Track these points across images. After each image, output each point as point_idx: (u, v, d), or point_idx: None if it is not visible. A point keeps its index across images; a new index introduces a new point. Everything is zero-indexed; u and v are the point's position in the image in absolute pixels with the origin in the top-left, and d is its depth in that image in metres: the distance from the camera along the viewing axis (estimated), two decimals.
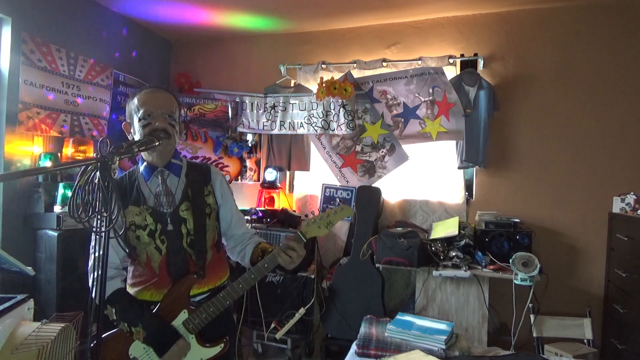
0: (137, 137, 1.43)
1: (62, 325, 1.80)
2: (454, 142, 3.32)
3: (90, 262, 1.42)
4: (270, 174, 3.69)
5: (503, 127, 3.30)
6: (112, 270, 1.45)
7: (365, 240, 3.10)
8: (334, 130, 3.42)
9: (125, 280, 1.52)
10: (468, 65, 3.29)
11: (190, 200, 1.50)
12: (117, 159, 1.11)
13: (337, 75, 3.41)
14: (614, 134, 3.06)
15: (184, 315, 1.44)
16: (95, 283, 1.07)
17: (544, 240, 3.11)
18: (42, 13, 2.90)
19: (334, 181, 3.60)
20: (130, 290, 1.50)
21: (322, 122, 3.44)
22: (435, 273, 2.78)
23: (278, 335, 3.03)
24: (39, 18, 2.88)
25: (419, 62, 3.39)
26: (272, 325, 3.10)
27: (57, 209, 2.73)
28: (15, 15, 2.72)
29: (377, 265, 3.00)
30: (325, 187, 3.61)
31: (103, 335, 1.29)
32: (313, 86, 3.60)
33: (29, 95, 2.76)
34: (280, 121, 3.61)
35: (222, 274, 1.59)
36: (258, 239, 1.67)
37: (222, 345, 1.49)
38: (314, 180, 3.76)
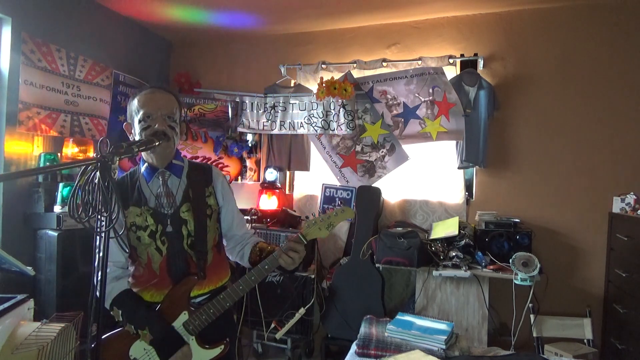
0: (137, 139, 1.43)
1: (62, 325, 1.79)
2: (454, 142, 3.32)
3: (96, 262, 1.42)
4: (270, 174, 3.68)
5: (503, 127, 3.30)
6: (118, 270, 1.45)
7: (365, 240, 3.10)
8: (334, 130, 3.42)
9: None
10: (468, 65, 3.29)
11: (191, 201, 1.50)
12: (117, 159, 1.11)
13: (337, 75, 3.41)
14: (614, 133, 3.06)
15: (184, 316, 1.44)
16: (95, 284, 1.06)
17: (544, 240, 3.11)
18: (42, 13, 2.90)
19: (334, 181, 3.59)
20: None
21: (322, 122, 3.44)
22: (435, 273, 2.78)
23: (278, 335, 3.03)
24: (39, 18, 2.88)
25: (419, 62, 3.38)
26: (272, 325, 3.10)
27: (57, 209, 2.73)
28: (15, 15, 2.71)
29: (377, 265, 3.00)
30: (325, 187, 3.61)
31: (104, 336, 1.29)
32: (313, 86, 3.59)
33: (29, 95, 2.76)
34: (280, 121, 3.61)
35: (223, 275, 1.59)
36: (256, 238, 1.68)
37: (222, 347, 1.48)
38: (314, 180, 3.75)
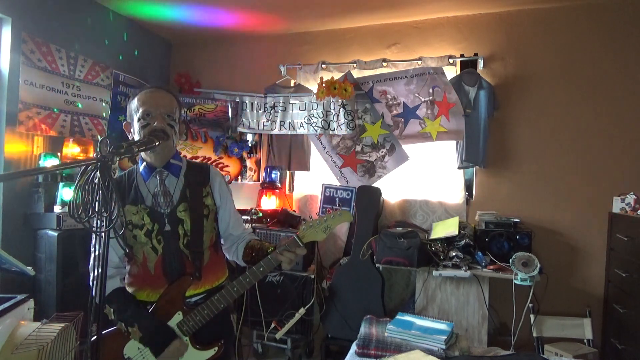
0: (136, 137, 1.43)
1: (62, 325, 1.80)
2: (454, 142, 3.32)
3: (91, 261, 1.42)
4: (270, 174, 3.68)
5: (503, 127, 3.30)
6: (111, 270, 1.45)
7: (365, 240, 3.09)
8: (334, 130, 3.42)
9: (124, 279, 1.52)
10: (468, 65, 3.29)
11: (188, 201, 1.50)
12: (117, 159, 1.11)
13: (337, 75, 3.41)
14: (614, 133, 3.06)
15: (178, 316, 1.44)
16: (95, 282, 1.07)
17: (544, 240, 3.11)
18: (42, 13, 2.90)
19: (334, 181, 3.59)
20: (128, 290, 1.50)
21: (322, 122, 3.44)
22: (435, 273, 2.78)
23: (278, 335, 3.03)
24: (39, 18, 2.88)
25: (419, 62, 3.39)
26: (272, 325, 3.10)
27: (57, 209, 2.73)
28: (15, 15, 2.72)
29: (377, 265, 3.00)
30: (325, 187, 3.61)
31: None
32: (313, 86, 3.59)
33: (29, 95, 2.76)
34: (280, 121, 3.61)
35: (220, 275, 1.59)
36: (249, 236, 1.66)
37: (216, 349, 1.48)
38: (314, 180, 3.76)
